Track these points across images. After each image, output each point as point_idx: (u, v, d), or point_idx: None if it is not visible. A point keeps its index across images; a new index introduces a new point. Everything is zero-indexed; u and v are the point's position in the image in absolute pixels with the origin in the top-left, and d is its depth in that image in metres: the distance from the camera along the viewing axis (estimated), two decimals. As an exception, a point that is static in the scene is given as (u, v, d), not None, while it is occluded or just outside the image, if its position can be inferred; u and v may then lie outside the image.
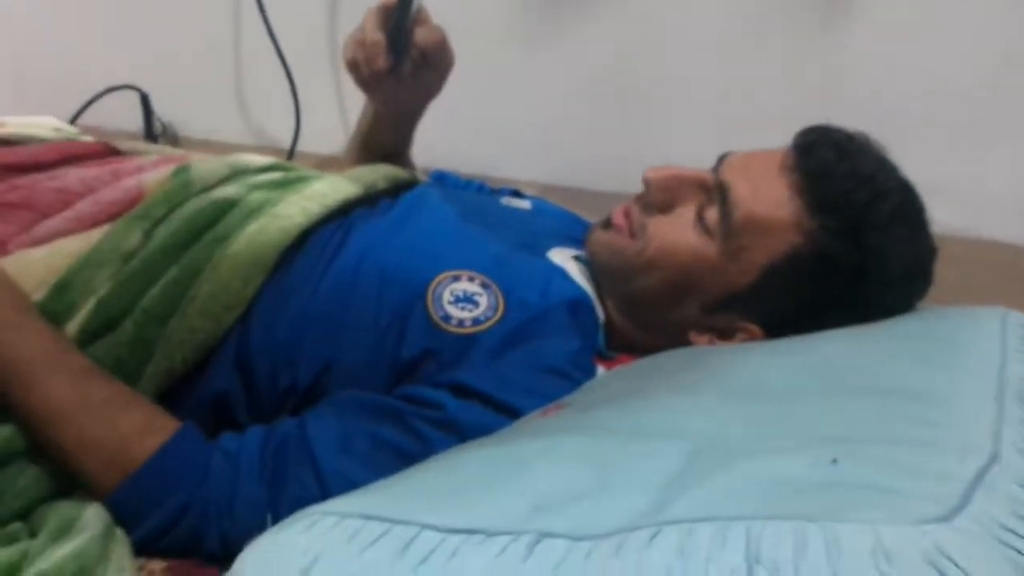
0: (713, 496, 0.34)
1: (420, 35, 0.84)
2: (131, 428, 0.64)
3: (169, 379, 0.71)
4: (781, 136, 0.78)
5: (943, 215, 0.77)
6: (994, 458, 0.39)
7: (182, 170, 0.80)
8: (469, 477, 0.43)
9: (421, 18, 0.85)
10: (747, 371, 0.53)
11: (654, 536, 0.32)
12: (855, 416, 0.42)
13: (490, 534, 0.35)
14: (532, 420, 0.58)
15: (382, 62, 0.84)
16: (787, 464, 0.37)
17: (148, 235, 0.74)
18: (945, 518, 0.32)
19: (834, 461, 0.36)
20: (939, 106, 1.13)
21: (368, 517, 0.39)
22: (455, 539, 0.36)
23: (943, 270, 0.76)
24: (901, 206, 0.74)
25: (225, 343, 0.72)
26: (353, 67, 0.88)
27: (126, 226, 0.74)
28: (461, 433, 0.65)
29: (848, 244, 0.71)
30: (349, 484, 0.58)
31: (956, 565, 0.30)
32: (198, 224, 0.75)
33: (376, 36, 0.83)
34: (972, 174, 1.10)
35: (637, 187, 0.81)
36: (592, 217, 0.89)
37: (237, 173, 0.83)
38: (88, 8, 1.24)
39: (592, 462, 0.40)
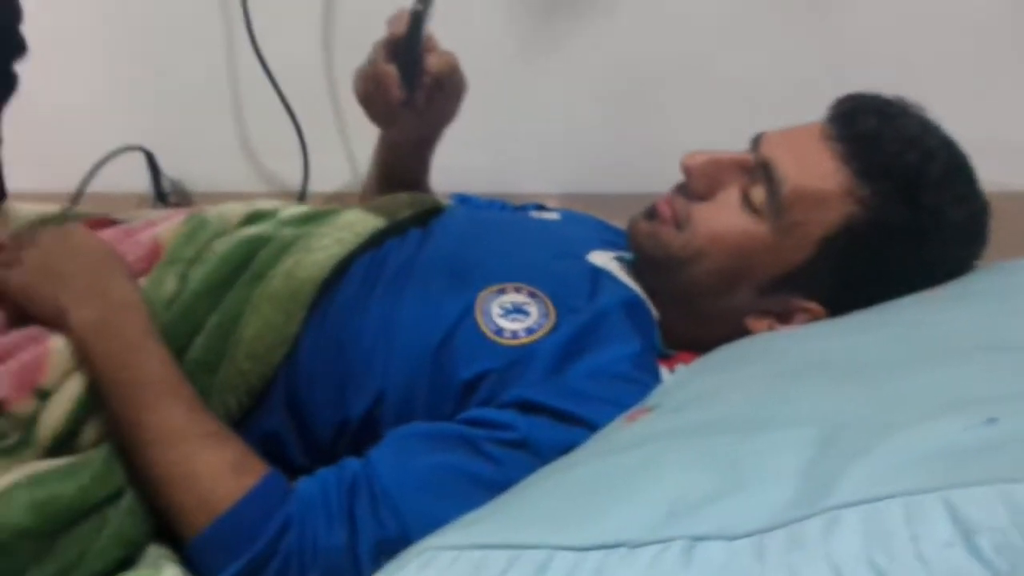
0: (878, 473, 0.32)
1: (432, 62, 0.83)
2: (228, 464, 0.64)
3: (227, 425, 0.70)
4: (801, 113, 0.76)
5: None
6: None
7: (194, 216, 0.79)
8: (582, 494, 0.40)
9: (430, 45, 0.83)
10: (839, 351, 0.51)
11: (832, 523, 0.29)
12: (981, 376, 0.40)
13: (633, 546, 0.33)
14: (619, 428, 0.55)
15: (396, 93, 0.82)
16: (945, 430, 0.34)
17: (184, 278, 0.73)
18: None
19: (992, 420, 0.33)
20: (957, 62, 1.11)
21: (488, 547, 0.36)
22: (594, 556, 0.33)
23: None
24: (951, 164, 0.73)
25: (274, 383, 0.71)
26: (366, 102, 0.86)
27: (160, 274, 0.73)
28: (536, 451, 0.63)
29: (905, 207, 0.70)
30: (430, 519, 0.57)
31: None
32: (232, 263, 0.74)
33: (388, 68, 0.82)
34: (999, 126, 1.08)
35: (659, 185, 0.79)
36: (619, 222, 0.87)
37: (259, 216, 0.81)
38: (86, 71, 1.22)
39: (713, 462, 0.37)
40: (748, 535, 0.31)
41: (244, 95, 1.23)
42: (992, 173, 0.77)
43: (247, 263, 0.75)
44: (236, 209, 0.81)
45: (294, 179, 1.24)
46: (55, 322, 0.68)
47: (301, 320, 0.72)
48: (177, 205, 1.24)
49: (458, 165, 1.03)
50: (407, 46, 0.81)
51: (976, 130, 0.74)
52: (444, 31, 0.84)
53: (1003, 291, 0.60)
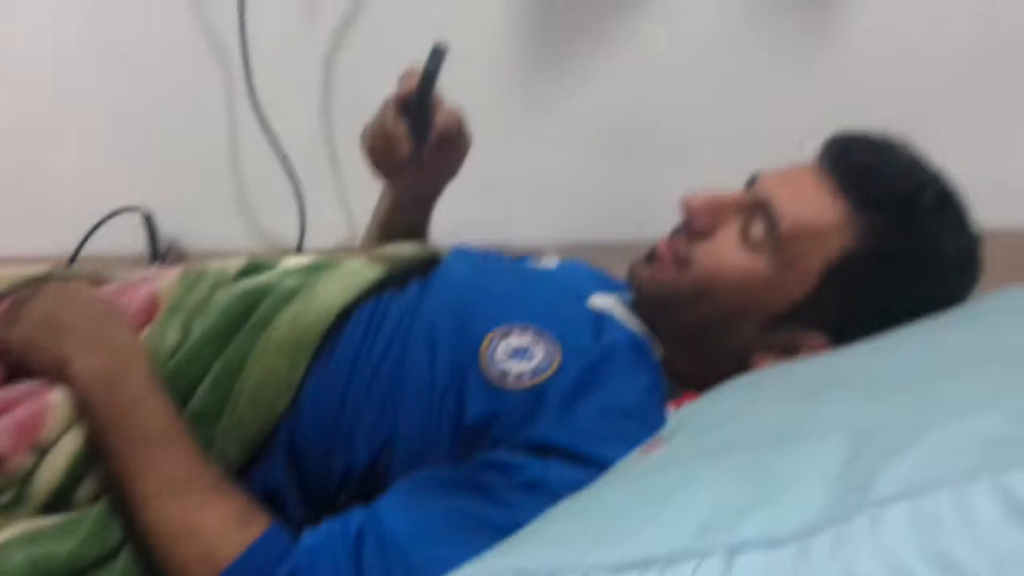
0: (918, 466, 0.31)
1: (440, 120, 0.84)
2: (231, 516, 0.63)
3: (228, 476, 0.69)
4: (788, 156, 0.77)
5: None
6: None
7: (191, 270, 0.79)
8: (610, 516, 0.39)
9: (437, 103, 0.84)
10: (855, 369, 0.50)
11: (876, 521, 0.29)
12: (1010, 376, 0.39)
13: (668, 562, 0.32)
14: (637, 460, 0.54)
15: (405, 149, 0.83)
16: (985, 423, 0.33)
17: (186, 329, 0.73)
18: None
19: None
20: (939, 99, 1.14)
21: (522, 571, 0.35)
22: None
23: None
24: (944, 193, 0.74)
25: (275, 434, 0.71)
26: (374, 156, 0.87)
27: (163, 324, 0.73)
28: (549, 493, 0.62)
29: (902, 234, 0.71)
30: (440, 565, 0.56)
31: None
32: (235, 313, 0.74)
33: (397, 124, 0.83)
34: (981, 163, 1.10)
35: (654, 234, 0.80)
36: (616, 270, 0.88)
37: (258, 267, 0.81)
38: (82, 132, 1.23)
39: (742, 476, 0.37)
40: (789, 540, 0.30)
41: (242, 154, 1.24)
42: (986, 212, 0.78)
43: (250, 313, 0.74)
44: (235, 263, 0.81)
45: (291, 236, 1.24)
46: (57, 373, 0.68)
47: (305, 367, 0.71)
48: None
49: (455, 218, 1.04)
50: (417, 103, 0.82)
51: (973, 172, 0.76)
52: (441, 83, 0.86)
53: (1010, 308, 0.60)
